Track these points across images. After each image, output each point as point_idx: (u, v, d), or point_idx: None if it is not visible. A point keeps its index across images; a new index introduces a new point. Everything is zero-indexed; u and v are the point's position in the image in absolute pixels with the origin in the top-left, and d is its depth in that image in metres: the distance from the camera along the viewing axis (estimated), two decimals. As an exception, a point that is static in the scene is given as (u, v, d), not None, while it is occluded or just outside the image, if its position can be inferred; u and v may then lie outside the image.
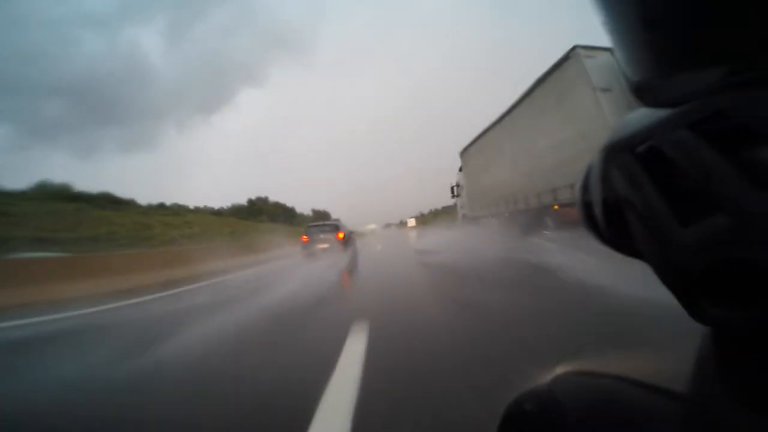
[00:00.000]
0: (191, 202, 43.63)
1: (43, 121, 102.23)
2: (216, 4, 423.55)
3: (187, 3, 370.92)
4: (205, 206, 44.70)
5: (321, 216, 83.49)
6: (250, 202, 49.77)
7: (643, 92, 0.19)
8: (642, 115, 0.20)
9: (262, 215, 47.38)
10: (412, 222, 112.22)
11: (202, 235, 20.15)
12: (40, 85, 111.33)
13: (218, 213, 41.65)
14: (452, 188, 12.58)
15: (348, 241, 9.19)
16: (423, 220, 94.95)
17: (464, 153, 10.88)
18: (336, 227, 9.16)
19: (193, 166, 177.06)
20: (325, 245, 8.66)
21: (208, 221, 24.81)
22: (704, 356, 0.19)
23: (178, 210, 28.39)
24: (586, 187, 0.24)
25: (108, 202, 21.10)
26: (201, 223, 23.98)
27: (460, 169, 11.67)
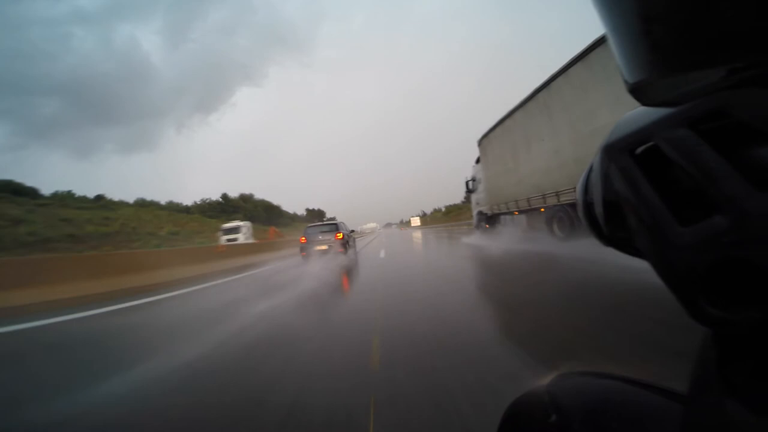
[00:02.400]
0: (186, 201, 43.75)
1: (40, 120, 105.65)
2: (215, 3, 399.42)
3: (185, 1, 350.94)
4: (170, 202, 39.92)
5: (315, 215, 79.76)
6: (225, 198, 44.30)
7: (642, 92, 0.20)
8: (641, 114, 0.21)
9: (238, 213, 41.86)
10: (416, 221, 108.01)
11: (116, 236, 14.81)
12: (38, 84, 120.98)
13: (186, 210, 36.73)
14: (467, 183, 11.68)
15: (347, 242, 9.31)
16: (432, 218, 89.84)
17: (483, 140, 9.79)
18: (335, 228, 9.25)
19: (191, 165, 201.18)
20: (324, 246, 8.80)
21: (149, 218, 19.76)
22: (704, 356, 0.20)
23: (106, 203, 23.35)
24: (586, 187, 0.25)
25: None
26: (137, 221, 18.84)
27: (478, 161, 10.73)
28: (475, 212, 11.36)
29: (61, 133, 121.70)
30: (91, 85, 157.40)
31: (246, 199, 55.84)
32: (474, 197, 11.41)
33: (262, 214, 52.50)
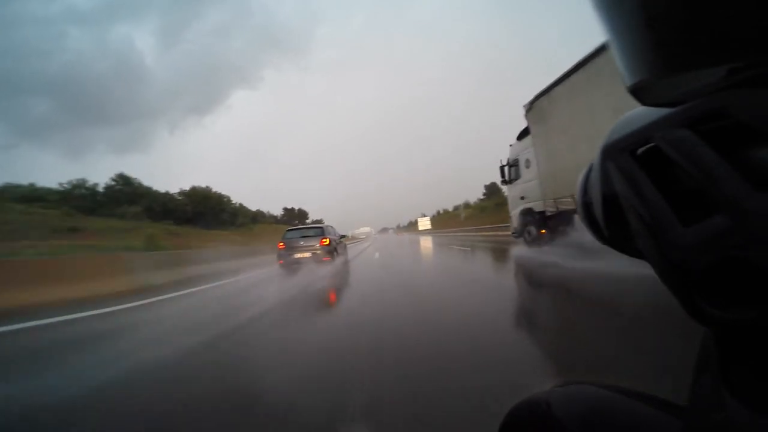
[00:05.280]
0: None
1: (31, 120, 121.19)
2: (211, 4, 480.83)
3: (180, 2, 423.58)
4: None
5: (295, 216, 75.54)
6: (123, 179, 39.81)
7: (642, 92, 0.22)
8: (641, 114, 0.23)
9: (136, 205, 35.40)
10: (424, 223, 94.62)
11: None
12: (29, 82, 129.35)
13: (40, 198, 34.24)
14: (503, 169, 9.33)
15: (335, 249, 9.20)
16: (447, 217, 75.28)
17: (536, 104, 7.64)
18: (320, 232, 9.04)
19: (185, 166, 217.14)
20: (306, 254, 8.57)
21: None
22: (704, 357, 0.22)
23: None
24: (585, 188, 0.28)
25: None
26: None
27: (521, 136, 8.51)
28: (516, 211, 9.01)
29: (53, 133, 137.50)
30: (85, 85, 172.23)
31: (192, 193, 45.90)
32: (512, 190, 9.38)
33: (210, 214, 43.33)
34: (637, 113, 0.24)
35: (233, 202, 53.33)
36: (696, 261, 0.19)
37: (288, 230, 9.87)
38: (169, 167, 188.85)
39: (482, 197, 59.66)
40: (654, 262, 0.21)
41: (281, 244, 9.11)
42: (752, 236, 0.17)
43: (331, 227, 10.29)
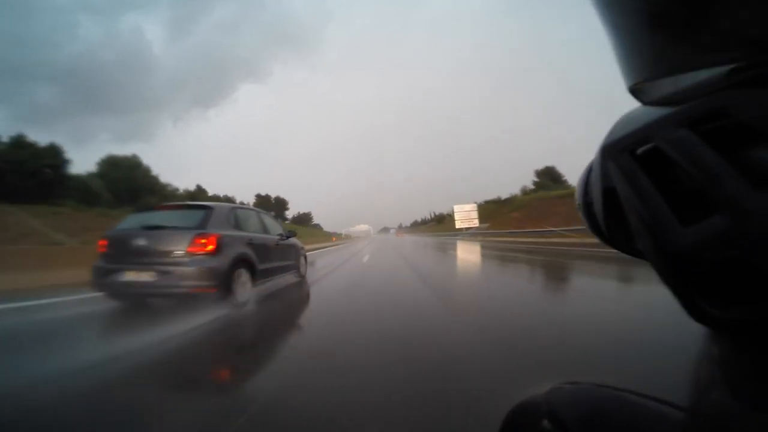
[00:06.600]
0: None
1: (37, 107, 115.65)
2: None
3: None
4: None
5: (270, 206, 58.82)
6: None
7: (642, 91, 0.23)
8: (641, 114, 0.24)
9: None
10: (467, 214, 43.07)
11: None
12: (37, 69, 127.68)
13: None
14: None
15: (240, 262, 4.24)
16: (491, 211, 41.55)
17: None
18: (200, 219, 4.13)
19: (187, 157, 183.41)
20: (147, 275, 3.81)
21: None
22: (704, 357, 0.23)
23: None
24: (586, 187, 0.29)
25: None
26: None
27: None
28: None
29: (57, 121, 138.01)
30: (92, 74, 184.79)
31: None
32: None
33: (85, 194, 26.11)
34: (637, 113, 0.24)
35: (153, 173, 36.45)
36: (696, 261, 0.19)
37: (130, 216, 4.71)
38: (171, 158, 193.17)
39: (532, 188, 46.35)
40: (654, 262, 0.22)
41: (103, 243, 4.25)
42: (752, 236, 0.17)
43: (253, 209, 5.63)
